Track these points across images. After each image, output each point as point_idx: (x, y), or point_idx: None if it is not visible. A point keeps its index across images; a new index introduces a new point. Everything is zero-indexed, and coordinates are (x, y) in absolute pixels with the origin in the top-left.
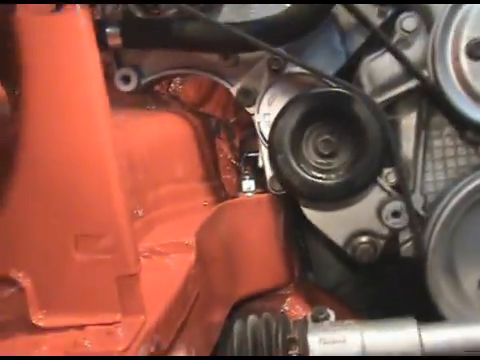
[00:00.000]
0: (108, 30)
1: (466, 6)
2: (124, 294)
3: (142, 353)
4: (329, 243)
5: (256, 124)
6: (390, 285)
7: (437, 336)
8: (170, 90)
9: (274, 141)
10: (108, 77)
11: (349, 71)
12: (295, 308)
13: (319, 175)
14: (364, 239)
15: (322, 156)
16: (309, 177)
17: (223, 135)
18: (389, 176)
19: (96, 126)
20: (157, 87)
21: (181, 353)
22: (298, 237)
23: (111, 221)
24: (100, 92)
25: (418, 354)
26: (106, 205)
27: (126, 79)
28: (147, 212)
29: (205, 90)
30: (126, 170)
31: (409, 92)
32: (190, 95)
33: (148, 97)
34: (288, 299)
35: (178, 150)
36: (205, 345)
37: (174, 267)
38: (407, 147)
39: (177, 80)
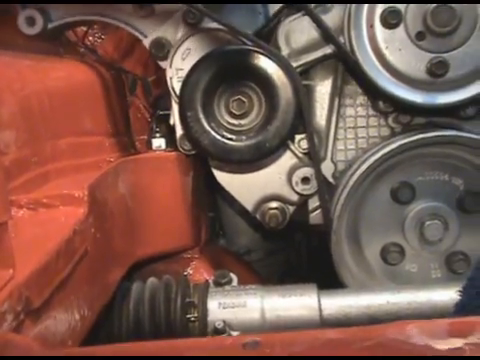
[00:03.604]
0: None
1: None
2: None
3: (6, 310)
4: (241, 209)
5: (168, 79)
6: (300, 253)
7: (336, 303)
8: (87, 42)
9: (185, 97)
10: (13, 19)
11: (269, 34)
12: (200, 272)
13: (229, 136)
14: (274, 205)
15: (234, 116)
16: (219, 137)
17: (139, 93)
18: (302, 142)
19: None
20: (73, 38)
21: (61, 311)
22: (211, 201)
23: None
24: None
25: (316, 319)
26: None
27: (31, 21)
28: (43, 163)
29: (125, 46)
30: (19, 116)
31: (325, 58)
32: (109, 50)
33: (60, 47)
34: (193, 263)
35: (84, 102)
36: (95, 304)
37: (61, 220)
38: (320, 114)
39: (96, 33)
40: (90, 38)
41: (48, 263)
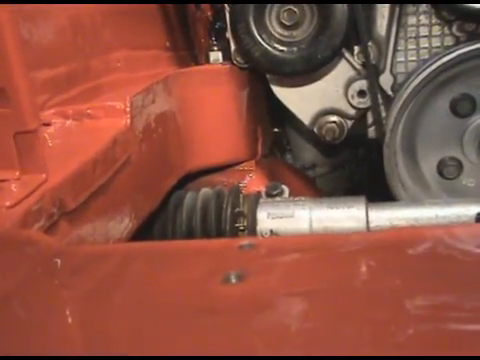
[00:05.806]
0: None
1: None
2: (23, 151)
3: (38, 210)
4: (301, 123)
5: None
6: (362, 168)
7: (384, 215)
8: None
9: (236, 8)
10: None
11: None
12: (255, 184)
13: (281, 47)
14: (331, 118)
15: (285, 27)
16: (270, 48)
17: (206, 6)
18: (360, 54)
19: None
20: None
21: (100, 216)
22: (277, 118)
23: (6, 75)
24: None
25: (363, 230)
26: (1, 58)
27: None
28: (95, 77)
29: None
30: (68, 31)
31: None
32: None
33: None
34: (249, 175)
35: (137, 16)
36: (140, 211)
37: (102, 130)
38: (380, 23)
39: None
40: None
41: (84, 169)
